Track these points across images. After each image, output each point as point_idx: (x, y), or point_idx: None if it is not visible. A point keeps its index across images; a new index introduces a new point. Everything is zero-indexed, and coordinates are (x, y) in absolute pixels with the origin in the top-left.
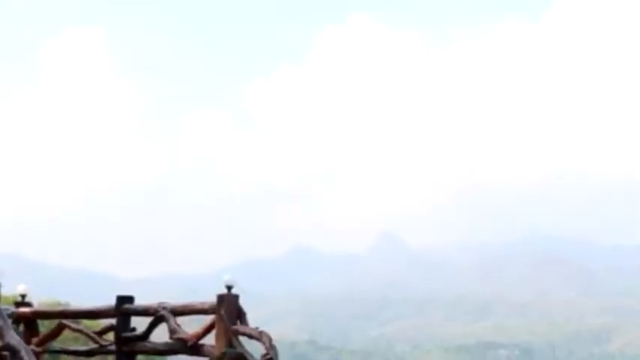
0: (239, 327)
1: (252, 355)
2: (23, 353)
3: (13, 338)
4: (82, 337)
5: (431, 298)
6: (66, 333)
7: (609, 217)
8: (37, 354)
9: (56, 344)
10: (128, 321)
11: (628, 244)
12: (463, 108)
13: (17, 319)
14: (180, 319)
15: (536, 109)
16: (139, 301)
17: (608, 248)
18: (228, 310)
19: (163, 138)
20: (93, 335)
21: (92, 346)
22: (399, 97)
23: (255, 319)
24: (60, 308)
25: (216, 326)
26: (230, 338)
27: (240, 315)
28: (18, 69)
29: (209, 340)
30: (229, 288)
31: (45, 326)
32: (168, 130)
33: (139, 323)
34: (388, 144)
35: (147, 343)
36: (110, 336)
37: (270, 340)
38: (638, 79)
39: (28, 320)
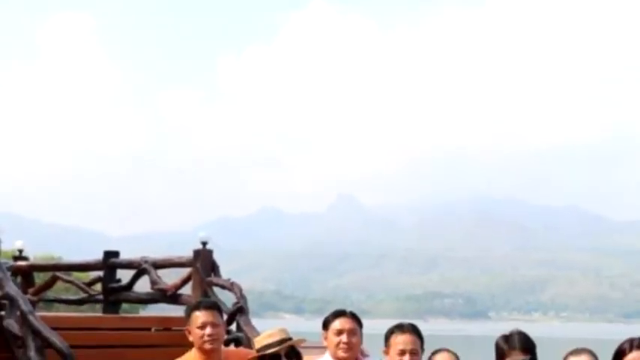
0: (213, 279)
1: (224, 304)
2: (21, 302)
3: (12, 288)
4: (73, 288)
5: (383, 253)
6: (59, 284)
7: (542, 179)
8: (32, 302)
9: (50, 294)
10: (114, 273)
11: (559, 204)
12: (411, 83)
13: (15, 271)
14: (160, 272)
15: (477, 82)
16: (124, 256)
17: (541, 208)
18: (203, 263)
19: (144, 109)
20: (83, 286)
21: (82, 295)
22: (353, 75)
23: (227, 271)
24: (53, 262)
25: (192, 278)
26: (205, 289)
27: (213, 268)
28: (18, 49)
29: (186, 290)
30: (204, 244)
31: (40, 278)
32: (148, 102)
33: (124, 275)
34: (345, 116)
35: (131, 293)
36: (98, 287)
37: (241, 290)
38: (572, 56)
39: (24, 273)
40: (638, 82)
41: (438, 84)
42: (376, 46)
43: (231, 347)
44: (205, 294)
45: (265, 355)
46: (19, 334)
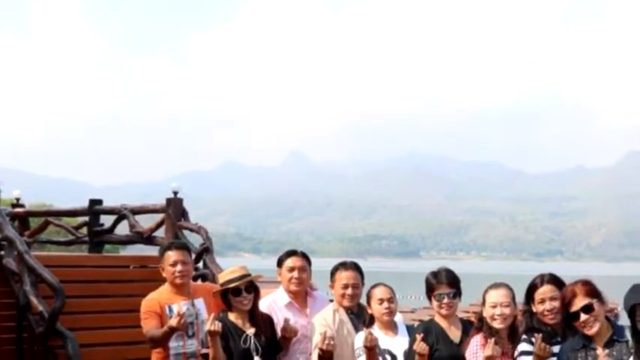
0: (183, 223)
1: (193, 245)
2: (18, 243)
3: (10, 231)
4: (63, 231)
5: (329, 202)
6: (50, 228)
7: (468, 138)
8: (28, 243)
9: (43, 236)
10: (98, 218)
11: (482, 159)
12: (353, 55)
13: (13, 217)
14: (137, 217)
15: (411, 54)
16: (106, 204)
17: (466, 163)
18: (174, 210)
19: (122, 76)
20: (71, 229)
21: (70, 237)
22: (304, 48)
23: (194, 217)
24: (45, 209)
25: (165, 222)
26: (176, 232)
27: (183, 214)
28: (13, 24)
29: (160, 233)
30: (175, 193)
31: (34, 222)
32: (126, 70)
33: (106, 220)
34: (297, 83)
35: (112, 236)
36: (84, 230)
37: (207, 233)
38: (494, 28)
39: (21, 218)
40: (551, 50)
41: (377, 56)
42: (325, 22)
43: (199, 282)
44: (176, 236)
45: (228, 289)
46: (17, 271)
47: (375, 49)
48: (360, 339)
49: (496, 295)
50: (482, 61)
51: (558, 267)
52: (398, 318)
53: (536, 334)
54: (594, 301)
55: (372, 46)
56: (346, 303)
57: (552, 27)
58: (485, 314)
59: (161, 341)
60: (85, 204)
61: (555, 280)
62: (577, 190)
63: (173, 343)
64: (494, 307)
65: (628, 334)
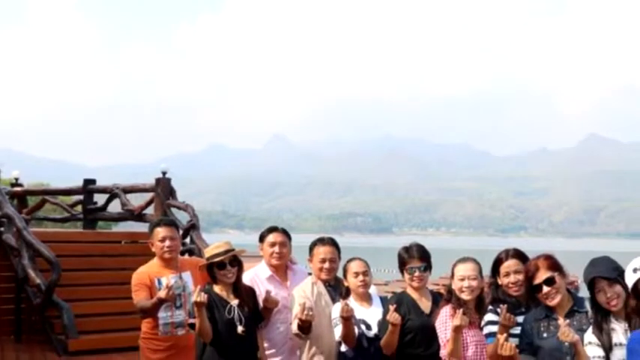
0: (171, 201)
1: (180, 222)
2: (17, 220)
3: (10, 209)
4: (59, 209)
5: (308, 182)
6: (47, 205)
7: (439, 122)
8: (26, 220)
9: (40, 213)
10: (92, 197)
11: (452, 142)
12: (332, 42)
13: (12, 195)
14: (128, 196)
15: (392, 39)
16: (100, 183)
17: (437, 146)
18: (163, 189)
19: (114, 63)
20: (66, 207)
21: (66, 215)
22: (283, 36)
23: (182, 196)
24: (42, 188)
25: (154, 201)
26: (164, 209)
27: (171, 193)
28: (10, 12)
29: (149, 210)
30: (164, 173)
31: (32, 201)
32: (118, 57)
33: (99, 199)
34: (279, 69)
35: (105, 213)
36: (79, 208)
37: (193, 210)
38: (464, 18)
39: (20, 196)
40: (517, 41)
41: (355, 44)
42: (304, 12)
43: (186, 256)
44: (165, 213)
45: (213, 263)
46: (15, 246)
47: (353, 37)
48: (337, 309)
49: (464, 269)
50: (453, 50)
51: (522, 242)
52: (372, 290)
53: (501, 305)
54: (556, 275)
55: (351, 35)
56: (324, 276)
57: (518, 19)
58: (453, 286)
59: (151, 312)
60: (80, 184)
61: (519, 255)
62: (540, 171)
63: (162, 314)
64: (463, 279)
65: (587, 306)
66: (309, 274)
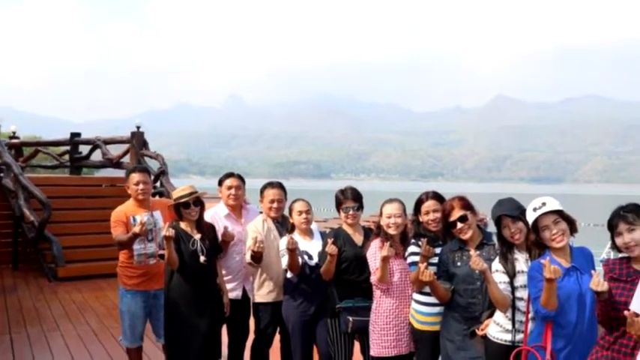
0: (144, 151)
1: (152, 168)
2: (14, 167)
3: (8, 157)
4: (49, 158)
5: (259, 134)
6: (40, 155)
7: (369, 84)
8: (22, 167)
9: (34, 162)
10: (77, 148)
11: (381, 101)
12: (283, 13)
13: (10, 146)
14: (108, 147)
15: (331, 11)
16: (84, 136)
17: (369, 104)
18: (137, 141)
19: (96, 35)
20: (56, 156)
21: (55, 163)
22: (242, 8)
23: (153, 147)
24: (36, 140)
25: (130, 151)
26: (139, 158)
27: (144, 144)
28: None
29: (126, 159)
30: (138, 127)
31: (27, 151)
32: (99, 30)
33: (84, 149)
34: (235, 38)
35: (88, 161)
36: (66, 157)
37: (163, 159)
38: None
39: (17, 147)
40: (436, 11)
41: (300, 16)
42: None
43: (157, 198)
44: (139, 162)
45: (179, 203)
46: (13, 189)
47: (298, 12)
48: (283, 242)
49: (390, 208)
50: (381, 21)
51: (439, 186)
52: (313, 226)
53: (422, 239)
54: (468, 213)
55: (295, 10)
56: (273, 214)
57: None
58: (382, 223)
59: (127, 244)
60: (67, 137)
61: (437, 196)
62: (454, 126)
63: (136, 246)
64: (389, 217)
65: (494, 239)
66: (261, 212)
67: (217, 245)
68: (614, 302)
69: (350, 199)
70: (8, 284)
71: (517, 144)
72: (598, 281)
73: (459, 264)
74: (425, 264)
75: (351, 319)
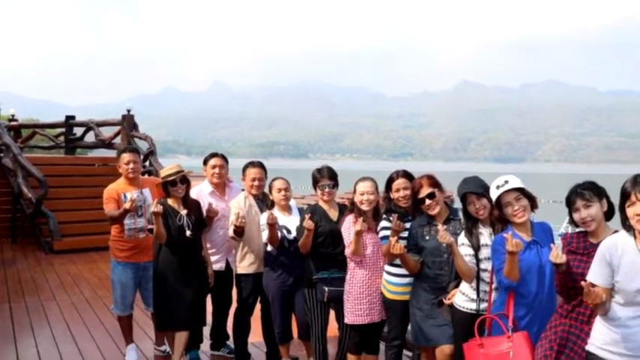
0: (134, 133)
1: (141, 149)
2: (13, 147)
3: (7, 139)
4: (46, 139)
5: (242, 117)
6: (37, 136)
7: (344, 70)
8: (20, 148)
9: (31, 143)
10: (72, 130)
11: (354, 86)
12: (264, 5)
13: (10, 128)
14: (101, 129)
15: (306, 5)
16: (78, 119)
17: (343, 89)
18: (128, 123)
19: (89, 25)
20: (52, 138)
21: (51, 144)
22: (225, 3)
23: (143, 129)
24: (33, 122)
25: (121, 133)
26: (129, 139)
27: (134, 126)
28: None
29: (117, 140)
30: (128, 111)
31: (25, 132)
32: (92, 20)
33: (78, 131)
34: (220, 28)
35: (82, 142)
36: (62, 138)
37: (152, 140)
38: None
39: (15, 129)
40: (406, 2)
41: (280, 7)
42: None
43: (146, 176)
44: (129, 142)
45: (167, 181)
46: (12, 168)
47: (280, 2)
48: (264, 218)
49: (363, 186)
50: (354, 11)
51: (409, 165)
52: (292, 202)
53: (393, 214)
54: (436, 190)
55: (278, 0)
56: (254, 192)
57: None
58: (355, 200)
59: (118, 219)
60: (62, 119)
61: (407, 175)
62: (423, 109)
63: (127, 221)
64: (363, 194)
65: (460, 215)
66: (243, 190)
67: (202, 220)
68: (571, 273)
69: (326, 177)
70: (8, 257)
71: (481, 126)
72: (557, 254)
73: (427, 238)
74: (396, 238)
75: (326, 289)
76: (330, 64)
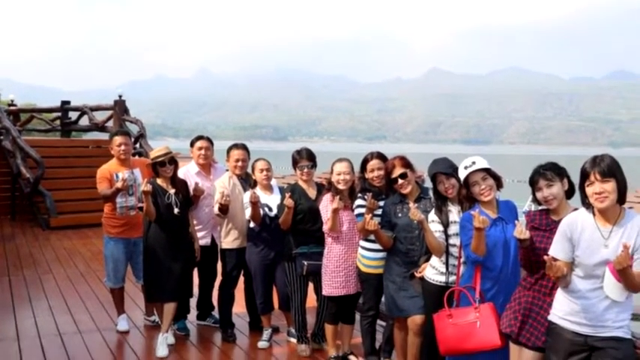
0: (125, 117)
1: (132, 132)
2: (12, 130)
3: (7, 122)
4: (43, 123)
5: (225, 101)
6: (35, 120)
7: (322, 57)
8: (19, 131)
9: (29, 126)
10: (67, 114)
11: (331, 73)
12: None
13: (9, 112)
14: (94, 113)
15: None
16: (73, 104)
17: (321, 75)
18: (119, 108)
19: (88, 14)
20: (48, 121)
21: (48, 127)
22: None
23: (134, 113)
24: (31, 107)
25: (113, 116)
26: (121, 123)
27: (126, 111)
28: None
29: (110, 124)
30: (120, 96)
31: (23, 117)
32: (91, 10)
33: (73, 115)
34: (205, 18)
35: (77, 126)
36: (57, 122)
37: (142, 124)
38: None
39: (14, 113)
40: None
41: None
42: None
43: (137, 157)
44: (121, 126)
45: (156, 162)
46: (12, 149)
47: None
48: (246, 196)
49: (340, 167)
50: (331, 2)
51: (383, 147)
52: (273, 182)
53: (367, 193)
54: (408, 171)
55: None
56: (237, 172)
57: None
58: (332, 179)
59: (110, 198)
60: (58, 104)
61: (381, 156)
62: (396, 94)
63: (119, 199)
64: (339, 174)
65: (431, 194)
66: (227, 170)
67: (189, 199)
68: (534, 248)
69: (305, 158)
70: (7, 233)
71: (450, 110)
72: (521, 230)
73: (399, 215)
74: (370, 215)
75: (305, 263)
76: (307, 52)
